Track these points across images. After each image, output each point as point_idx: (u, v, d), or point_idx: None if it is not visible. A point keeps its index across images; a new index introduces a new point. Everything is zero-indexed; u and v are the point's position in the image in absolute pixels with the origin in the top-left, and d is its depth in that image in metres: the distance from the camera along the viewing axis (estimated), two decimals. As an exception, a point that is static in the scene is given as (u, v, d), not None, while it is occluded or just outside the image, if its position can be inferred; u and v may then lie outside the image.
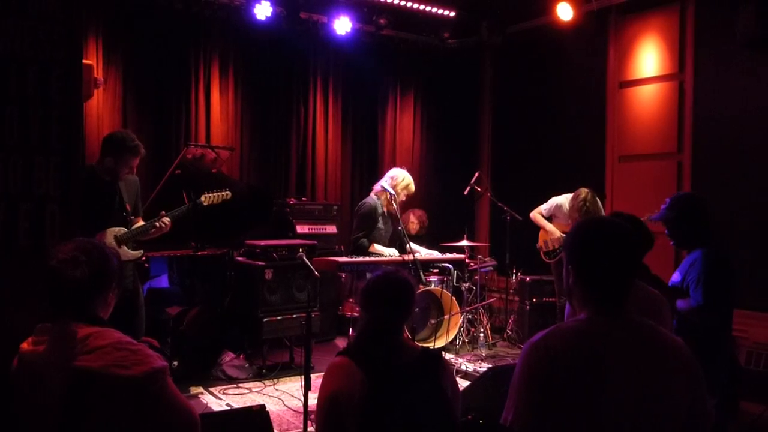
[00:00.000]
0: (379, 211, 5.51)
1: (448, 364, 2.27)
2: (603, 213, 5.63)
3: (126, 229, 4.30)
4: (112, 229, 4.25)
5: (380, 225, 5.54)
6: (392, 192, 5.35)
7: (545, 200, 6.31)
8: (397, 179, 5.46)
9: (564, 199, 6.08)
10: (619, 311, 1.74)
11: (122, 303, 3.86)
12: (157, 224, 4.38)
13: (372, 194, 5.58)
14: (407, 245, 5.30)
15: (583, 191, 5.64)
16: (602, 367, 1.65)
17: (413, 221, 7.34)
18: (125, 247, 4.29)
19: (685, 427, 1.69)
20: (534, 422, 1.65)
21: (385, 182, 5.47)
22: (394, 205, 5.37)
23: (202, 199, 4.78)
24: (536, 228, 6.44)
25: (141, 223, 4.45)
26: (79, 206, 3.53)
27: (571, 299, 1.84)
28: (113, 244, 4.16)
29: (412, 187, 5.52)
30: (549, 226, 6.21)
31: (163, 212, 4.46)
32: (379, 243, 5.52)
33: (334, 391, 2.08)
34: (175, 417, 1.91)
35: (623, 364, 1.65)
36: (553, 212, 6.23)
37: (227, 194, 4.88)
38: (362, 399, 2.01)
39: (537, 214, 6.32)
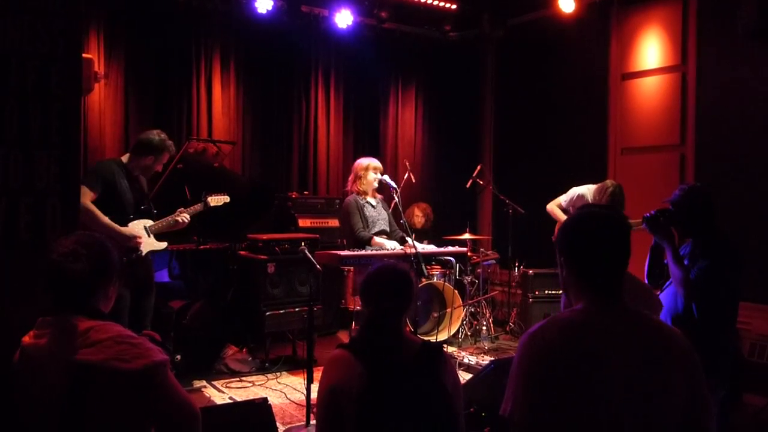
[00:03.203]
0: (360, 201, 5.43)
1: (448, 358, 2.26)
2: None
3: (152, 221, 4.52)
4: (142, 220, 4.47)
5: (368, 213, 5.44)
6: (360, 177, 5.40)
7: (547, 193, 6.09)
8: (356, 168, 5.48)
9: (586, 190, 5.62)
10: (614, 301, 1.74)
11: (138, 286, 4.29)
12: (179, 219, 4.62)
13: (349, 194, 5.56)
14: (408, 239, 5.28)
15: (611, 183, 5.34)
16: (599, 357, 1.64)
17: (418, 215, 7.33)
18: (153, 238, 4.52)
19: (685, 419, 1.69)
20: (532, 413, 1.65)
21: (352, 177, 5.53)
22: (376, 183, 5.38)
23: (209, 200, 4.93)
24: (538, 221, 6.33)
25: None
26: (115, 199, 4.24)
27: (567, 292, 1.84)
28: (144, 235, 4.42)
29: (373, 165, 5.46)
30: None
31: (182, 209, 4.67)
32: (372, 229, 5.49)
33: (332, 384, 2.08)
34: (175, 410, 1.91)
35: (620, 354, 1.65)
36: (573, 203, 5.72)
37: (227, 199, 5.05)
38: (361, 392, 2.01)
39: (555, 207, 5.85)
